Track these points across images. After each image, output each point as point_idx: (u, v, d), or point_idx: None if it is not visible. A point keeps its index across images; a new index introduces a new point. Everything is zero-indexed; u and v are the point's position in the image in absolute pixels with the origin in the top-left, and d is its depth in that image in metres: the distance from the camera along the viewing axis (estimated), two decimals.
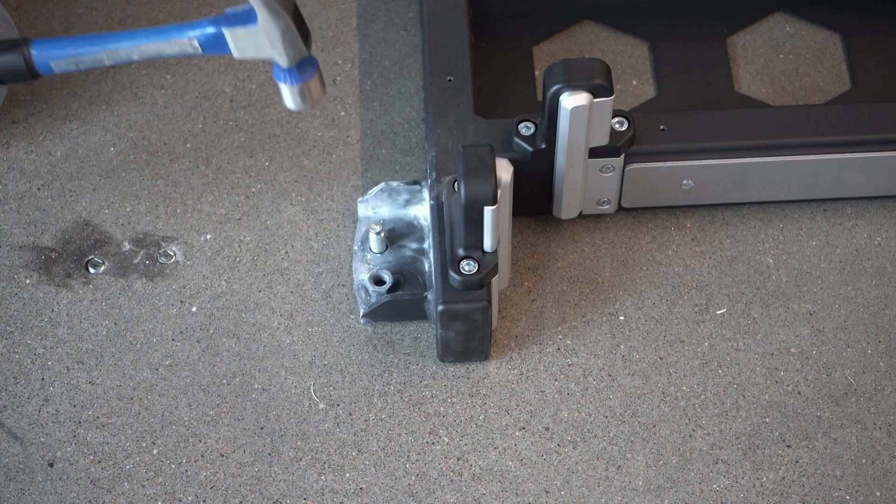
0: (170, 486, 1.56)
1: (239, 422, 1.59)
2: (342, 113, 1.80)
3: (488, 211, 1.50)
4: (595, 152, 1.62)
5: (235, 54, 1.53)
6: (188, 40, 1.52)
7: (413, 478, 1.56)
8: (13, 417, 1.59)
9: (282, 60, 1.53)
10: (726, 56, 1.82)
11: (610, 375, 1.62)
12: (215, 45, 1.53)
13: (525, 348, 1.64)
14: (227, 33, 1.52)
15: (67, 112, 1.80)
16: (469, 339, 1.59)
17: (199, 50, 1.52)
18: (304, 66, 1.54)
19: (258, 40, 1.51)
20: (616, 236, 1.71)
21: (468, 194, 1.48)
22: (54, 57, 1.51)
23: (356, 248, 1.66)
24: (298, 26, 1.51)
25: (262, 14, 1.49)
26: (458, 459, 1.57)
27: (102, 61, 1.52)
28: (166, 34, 1.53)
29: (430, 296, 1.62)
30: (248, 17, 1.51)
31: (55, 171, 1.75)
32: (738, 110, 1.67)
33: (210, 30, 1.52)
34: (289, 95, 1.56)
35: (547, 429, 1.59)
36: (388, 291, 1.63)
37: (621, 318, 1.66)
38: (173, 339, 1.64)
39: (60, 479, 1.56)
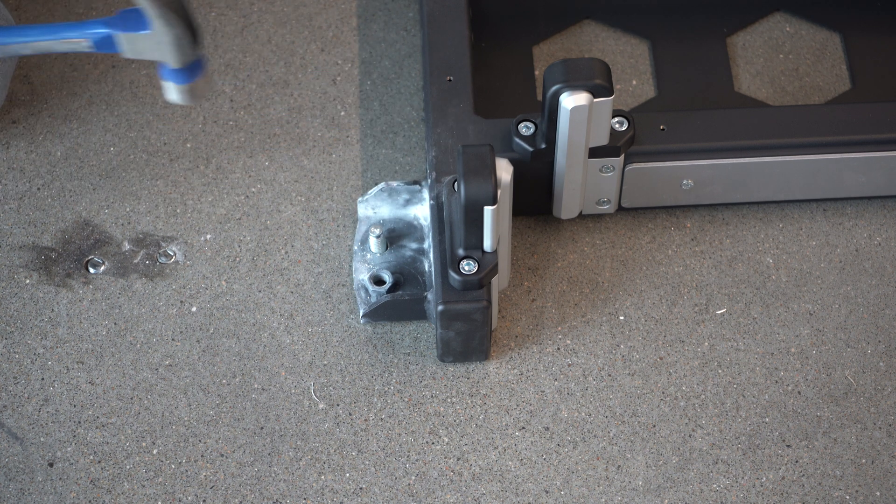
0: (170, 486, 1.55)
1: (239, 422, 1.59)
2: (342, 113, 1.80)
3: (488, 211, 1.50)
4: (595, 152, 1.62)
5: (127, 55, 1.51)
6: (81, 40, 1.52)
7: (413, 478, 1.56)
8: (13, 417, 1.59)
9: (172, 63, 1.52)
10: (726, 56, 1.82)
11: (610, 375, 1.62)
12: (108, 45, 1.52)
13: (525, 348, 1.64)
14: (121, 37, 1.51)
15: (67, 112, 1.79)
16: (469, 339, 1.59)
17: (94, 49, 1.51)
18: (193, 68, 1.53)
19: (150, 45, 1.50)
20: (616, 236, 1.71)
21: (468, 194, 1.48)
22: None
23: (356, 248, 1.66)
24: (190, 32, 1.49)
25: (155, 22, 1.48)
26: (458, 459, 1.57)
27: None
28: (59, 33, 1.52)
29: (430, 296, 1.62)
30: (141, 22, 1.49)
31: (55, 171, 1.75)
32: (738, 110, 1.67)
33: (102, 31, 1.51)
34: (173, 92, 1.55)
35: (547, 429, 1.59)
36: (388, 291, 1.63)
37: (621, 318, 1.65)
38: (173, 339, 1.64)
39: (60, 479, 1.56)
